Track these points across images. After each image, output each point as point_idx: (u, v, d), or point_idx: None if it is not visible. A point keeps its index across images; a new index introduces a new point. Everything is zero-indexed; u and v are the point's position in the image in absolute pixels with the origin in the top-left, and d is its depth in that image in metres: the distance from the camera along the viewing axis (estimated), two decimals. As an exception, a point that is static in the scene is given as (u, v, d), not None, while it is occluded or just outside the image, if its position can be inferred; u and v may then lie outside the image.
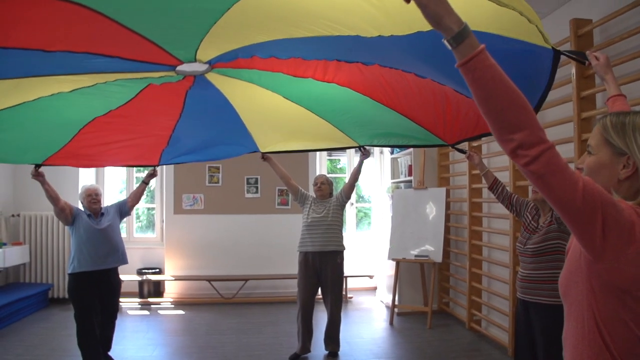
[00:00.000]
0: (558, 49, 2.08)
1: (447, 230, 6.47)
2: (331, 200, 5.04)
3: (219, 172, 7.64)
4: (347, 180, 5.19)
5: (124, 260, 4.69)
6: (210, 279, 7.37)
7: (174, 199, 7.60)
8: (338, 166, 9.29)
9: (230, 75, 2.86)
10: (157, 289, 7.66)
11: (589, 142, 1.45)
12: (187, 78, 2.87)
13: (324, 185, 5.10)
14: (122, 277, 7.17)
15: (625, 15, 3.53)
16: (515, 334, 3.56)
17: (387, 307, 7.25)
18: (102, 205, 4.71)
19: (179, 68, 2.62)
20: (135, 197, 4.94)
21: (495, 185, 3.80)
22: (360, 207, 9.03)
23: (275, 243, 7.72)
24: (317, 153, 8.04)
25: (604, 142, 1.39)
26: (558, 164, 1.18)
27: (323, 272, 4.89)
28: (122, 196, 8.01)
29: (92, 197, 4.61)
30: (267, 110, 3.52)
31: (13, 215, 7.38)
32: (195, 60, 2.51)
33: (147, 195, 8.81)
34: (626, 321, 1.27)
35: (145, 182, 4.89)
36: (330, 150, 4.65)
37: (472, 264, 5.86)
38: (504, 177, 4.95)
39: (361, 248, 8.26)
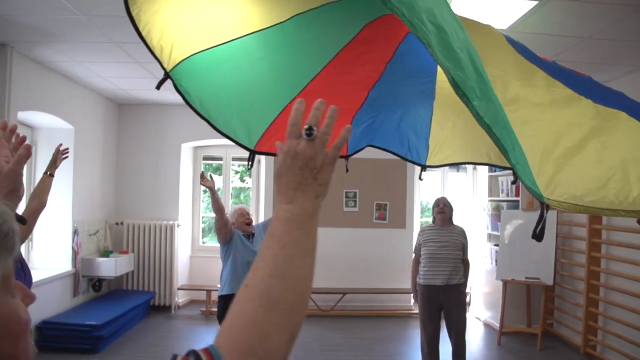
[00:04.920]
0: None
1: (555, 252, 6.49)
2: (455, 231, 4.91)
3: (318, 186, 7.69)
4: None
5: None
6: (308, 291, 7.46)
7: (272, 211, 7.68)
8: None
9: None
10: (252, 299, 7.79)
11: None
12: None
13: (446, 208, 4.96)
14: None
15: None
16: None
17: (484, 324, 7.30)
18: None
19: None
20: None
21: None
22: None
23: (372, 257, 7.81)
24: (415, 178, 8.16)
25: None
26: None
27: (447, 305, 4.80)
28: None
29: (246, 217, 4.48)
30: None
31: (117, 224, 7.55)
32: None
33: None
34: None
35: None
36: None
37: (589, 289, 5.88)
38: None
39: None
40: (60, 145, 3.58)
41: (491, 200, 7.47)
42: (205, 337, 6.46)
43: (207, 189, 4.26)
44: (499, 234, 6.96)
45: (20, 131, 5.58)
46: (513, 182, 2.48)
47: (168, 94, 6.98)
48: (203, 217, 8.56)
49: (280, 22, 2.38)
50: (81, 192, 6.65)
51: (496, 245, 7.08)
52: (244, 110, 2.76)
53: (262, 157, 8.01)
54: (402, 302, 7.76)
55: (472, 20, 2.37)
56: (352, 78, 2.89)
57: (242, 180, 9.31)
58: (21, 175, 1.47)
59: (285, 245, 0.87)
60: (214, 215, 4.36)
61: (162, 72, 2.35)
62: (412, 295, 5.22)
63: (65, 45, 5.11)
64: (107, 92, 7.10)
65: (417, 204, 8.37)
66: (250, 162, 2.89)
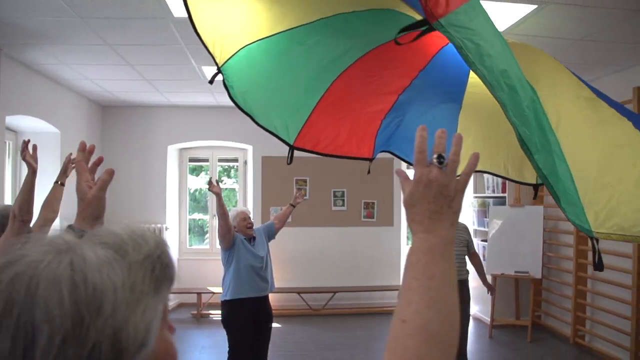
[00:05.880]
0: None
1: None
2: (457, 229, 4.95)
3: (306, 185, 7.73)
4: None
5: (273, 286, 4.56)
6: (299, 291, 7.49)
7: (261, 212, 7.67)
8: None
9: None
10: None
11: None
12: None
13: None
14: (210, 288, 7.33)
15: None
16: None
17: (474, 318, 7.45)
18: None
19: None
20: (282, 219, 4.84)
21: None
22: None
23: (361, 255, 7.88)
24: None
25: None
26: None
27: None
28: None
29: (248, 221, 4.41)
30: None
31: (103, 228, 7.39)
32: None
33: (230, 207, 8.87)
34: None
35: (292, 205, 4.86)
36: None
37: (578, 281, 6.08)
38: None
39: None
40: (71, 154, 3.52)
41: (477, 197, 7.64)
42: (198, 340, 6.41)
43: (215, 195, 4.23)
44: (485, 229, 7.14)
45: (6, 136, 5.40)
46: (534, 198, 2.68)
47: (156, 95, 6.92)
48: (189, 220, 8.46)
49: (323, 18, 2.40)
50: (67, 197, 6.44)
51: (483, 240, 7.25)
52: (281, 105, 2.78)
53: (250, 158, 7.98)
54: (391, 299, 7.83)
55: (516, 42, 2.41)
56: (382, 79, 2.91)
57: (221, 181, 9.24)
58: (104, 200, 1.44)
59: (433, 277, 0.86)
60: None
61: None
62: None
63: (58, 47, 4.99)
64: (91, 94, 6.95)
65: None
66: (289, 158, 2.86)
